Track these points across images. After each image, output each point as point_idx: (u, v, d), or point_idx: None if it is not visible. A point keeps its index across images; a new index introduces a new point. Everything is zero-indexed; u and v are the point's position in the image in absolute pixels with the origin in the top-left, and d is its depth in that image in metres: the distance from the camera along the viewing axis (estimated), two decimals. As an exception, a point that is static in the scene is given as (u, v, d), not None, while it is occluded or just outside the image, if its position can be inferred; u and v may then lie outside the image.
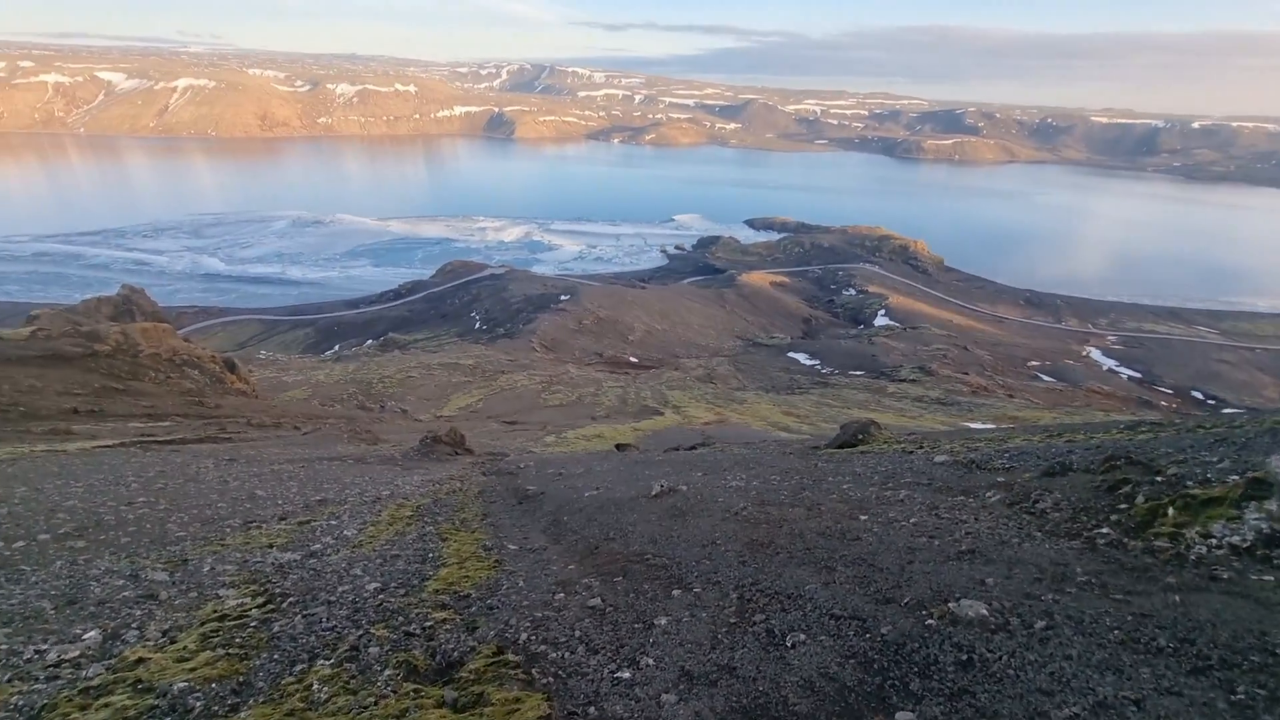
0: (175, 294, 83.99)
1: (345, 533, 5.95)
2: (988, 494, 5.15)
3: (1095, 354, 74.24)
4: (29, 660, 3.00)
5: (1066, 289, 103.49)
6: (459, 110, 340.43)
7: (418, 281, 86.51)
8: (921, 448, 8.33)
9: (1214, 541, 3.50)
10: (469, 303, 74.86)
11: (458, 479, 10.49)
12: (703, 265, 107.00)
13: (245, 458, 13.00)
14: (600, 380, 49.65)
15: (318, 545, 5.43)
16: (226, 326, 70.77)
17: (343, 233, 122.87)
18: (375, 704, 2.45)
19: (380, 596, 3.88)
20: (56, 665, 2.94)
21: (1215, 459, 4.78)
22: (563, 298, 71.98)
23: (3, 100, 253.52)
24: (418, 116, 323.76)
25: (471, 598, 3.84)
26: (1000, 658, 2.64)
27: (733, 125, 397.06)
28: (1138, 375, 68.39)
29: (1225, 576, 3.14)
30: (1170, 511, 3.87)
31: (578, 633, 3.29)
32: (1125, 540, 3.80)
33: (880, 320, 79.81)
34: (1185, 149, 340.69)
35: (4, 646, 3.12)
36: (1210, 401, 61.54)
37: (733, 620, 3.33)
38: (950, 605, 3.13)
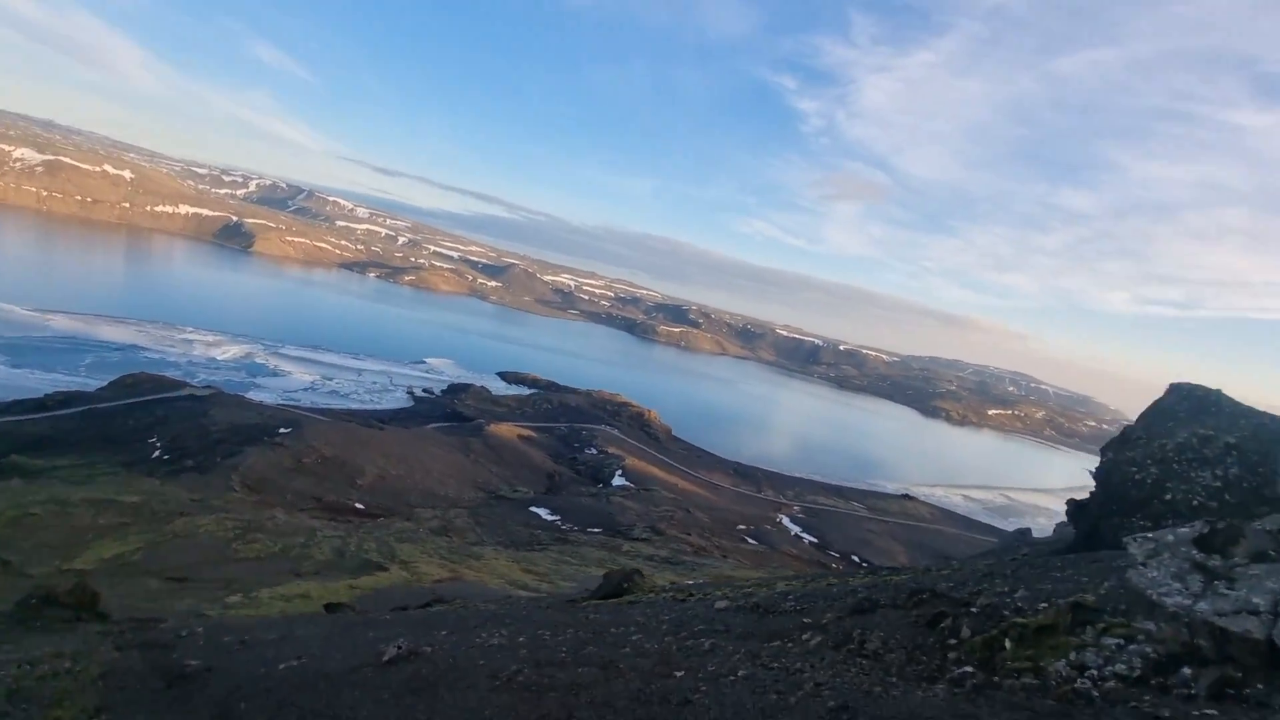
0: None
1: None
2: (804, 637, 4.81)
3: (786, 521, 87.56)
4: None
5: (764, 464, 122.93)
6: (187, 209, 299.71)
7: (77, 393, 68.22)
8: (692, 595, 8.22)
9: (1095, 674, 3.26)
10: (149, 425, 60.79)
11: (69, 656, 7.46)
12: (451, 411, 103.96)
13: None
14: (315, 529, 43.08)
15: None
16: None
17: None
18: None
19: None
20: None
21: (1007, 589, 4.75)
22: (282, 430, 62.83)
23: None
24: (127, 205, 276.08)
25: None
26: None
27: (494, 283, 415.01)
28: (815, 540, 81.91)
29: (1167, 715, 2.81)
30: (1008, 644, 3.75)
31: None
32: (997, 680, 3.54)
33: (618, 480, 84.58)
34: (836, 364, 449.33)
35: None
36: (864, 564, 75.84)
37: None
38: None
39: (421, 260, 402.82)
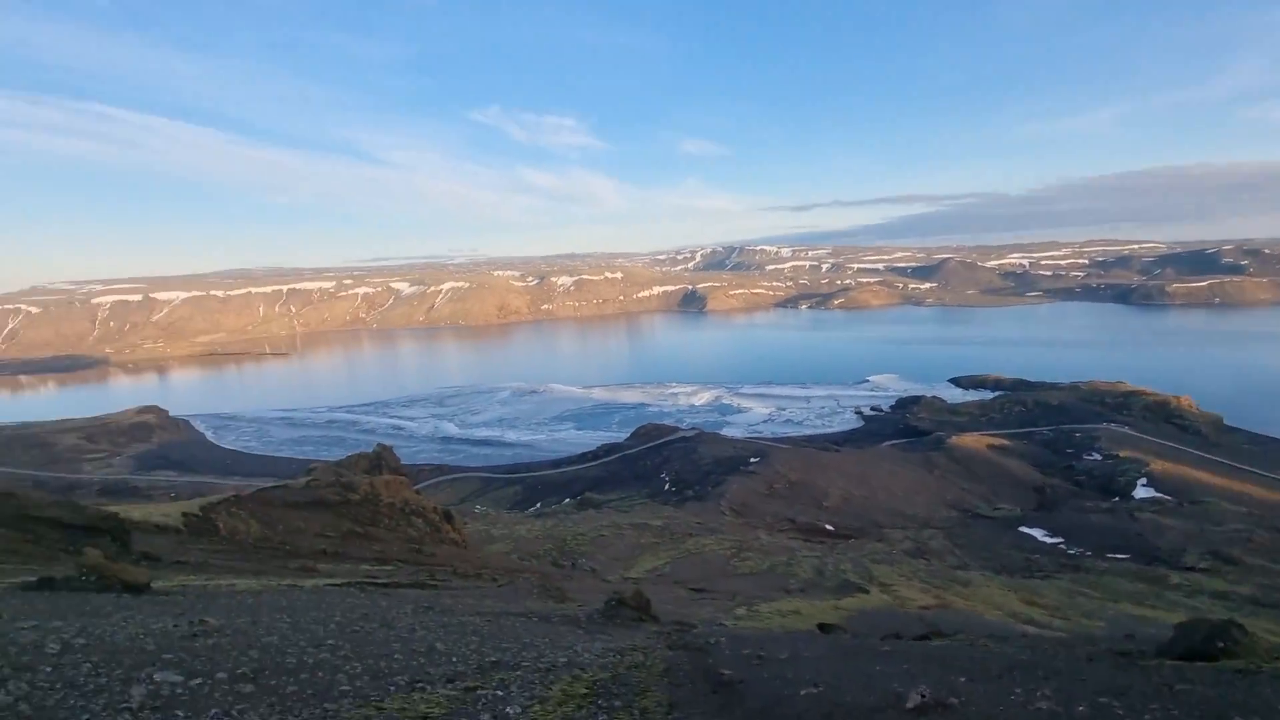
0: (418, 454, 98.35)
1: (508, 709, 5.00)
2: None
3: None
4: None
5: None
6: (657, 290, 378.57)
7: (614, 444, 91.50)
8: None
9: None
10: (660, 464, 76.60)
11: (640, 650, 9.44)
12: (903, 427, 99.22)
13: (441, 606, 13.25)
14: (794, 549, 46.03)
15: (474, 726, 4.67)
16: (453, 482, 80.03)
17: (553, 400, 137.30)
18: None
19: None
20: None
21: None
22: (752, 460, 70.55)
23: (327, 309, 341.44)
24: (622, 298, 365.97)
25: None
26: None
27: (927, 285, 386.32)
28: None
29: None
30: None
31: None
32: None
33: (1141, 491, 65.31)
34: None
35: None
36: None
37: None
38: None
39: (847, 281, 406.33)
